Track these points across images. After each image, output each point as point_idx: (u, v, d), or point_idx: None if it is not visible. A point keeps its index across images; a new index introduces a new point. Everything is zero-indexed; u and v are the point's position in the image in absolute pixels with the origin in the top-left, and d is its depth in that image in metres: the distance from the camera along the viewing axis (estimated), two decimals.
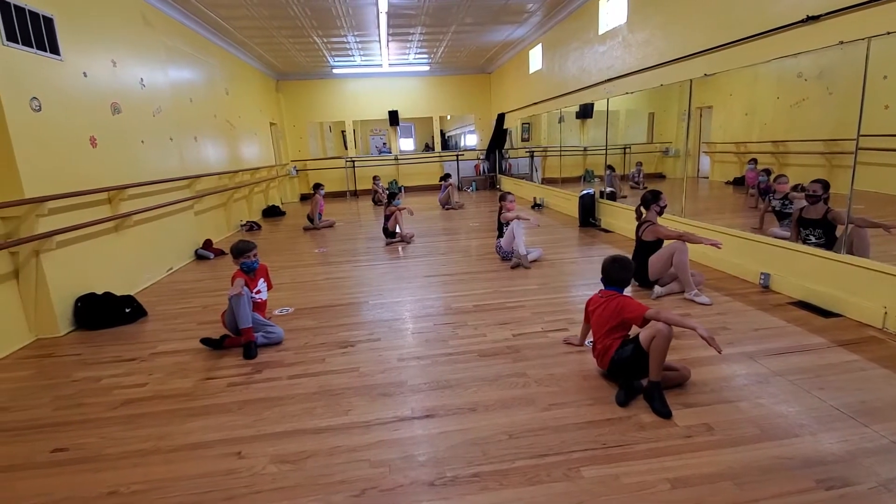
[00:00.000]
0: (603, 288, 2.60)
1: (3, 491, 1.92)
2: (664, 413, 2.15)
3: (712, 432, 2.03)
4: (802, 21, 3.49)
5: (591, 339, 2.63)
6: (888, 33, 2.93)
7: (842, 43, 3.24)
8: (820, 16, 3.37)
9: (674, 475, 1.78)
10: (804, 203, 3.90)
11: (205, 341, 3.22)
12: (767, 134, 5.23)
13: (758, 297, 3.67)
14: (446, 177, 10.08)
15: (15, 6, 3.43)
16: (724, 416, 2.14)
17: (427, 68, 12.27)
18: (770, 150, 5.23)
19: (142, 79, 5.21)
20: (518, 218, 5.01)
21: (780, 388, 2.36)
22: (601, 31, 6.75)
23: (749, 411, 2.17)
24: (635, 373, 2.34)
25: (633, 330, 2.47)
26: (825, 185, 3.83)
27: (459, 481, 1.82)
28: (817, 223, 3.77)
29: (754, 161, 5.50)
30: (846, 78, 3.52)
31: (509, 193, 5.34)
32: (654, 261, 3.83)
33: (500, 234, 5.29)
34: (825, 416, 2.10)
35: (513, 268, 4.83)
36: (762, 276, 3.88)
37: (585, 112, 7.78)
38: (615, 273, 2.53)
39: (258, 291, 3.32)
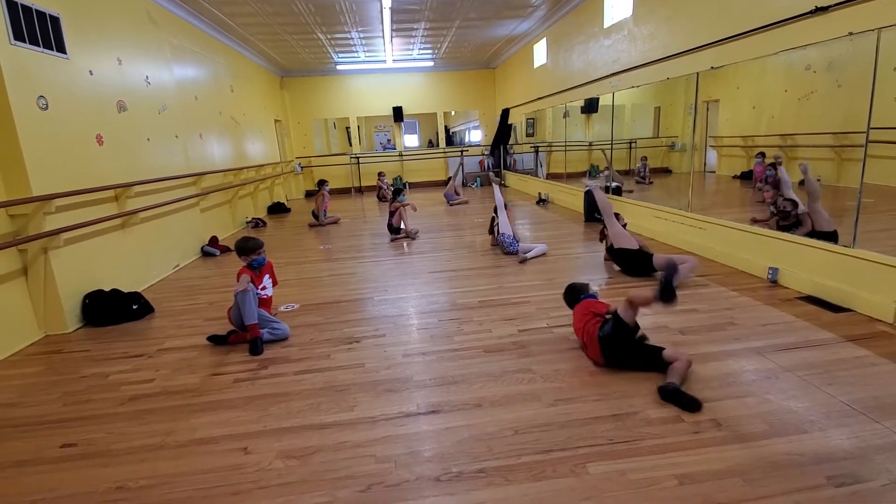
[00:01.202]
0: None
1: (14, 485, 1.94)
2: (694, 404, 2.13)
3: (720, 428, 2.01)
4: (811, 12, 3.43)
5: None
6: None
7: (851, 34, 3.19)
8: (829, 6, 3.31)
9: (681, 471, 1.77)
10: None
11: (211, 338, 3.24)
12: (775, 127, 5.18)
13: (766, 292, 3.64)
14: (451, 179, 10.29)
15: (22, 5, 3.44)
16: (732, 412, 2.12)
17: (431, 64, 12.23)
18: (778, 144, 5.18)
19: (147, 77, 5.23)
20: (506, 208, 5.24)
21: (789, 383, 2.34)
22: (606, 24, 6.69)
23: (757, 407, 2.15)
24: (626, 347, 2.47)
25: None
26: (794, 204, 4.11)
27: (465, 477, 1.81)
28: (796, 224, 4.03)
29: (762, 155, 5.45)
30: (856, 70, 3.47)
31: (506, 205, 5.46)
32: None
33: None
34: (835, 412, 2.08)
35: (521, 262, 4.82)
36: (770, 271, 3.84)
37: (591, 107, 7.74)
38: (567, 299, 3.07)
39: (263, 287, 3.33)
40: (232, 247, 3.77)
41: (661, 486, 1.71)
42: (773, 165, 5.24)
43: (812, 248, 3.60)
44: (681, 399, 2.17)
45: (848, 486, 1.65)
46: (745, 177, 5.69)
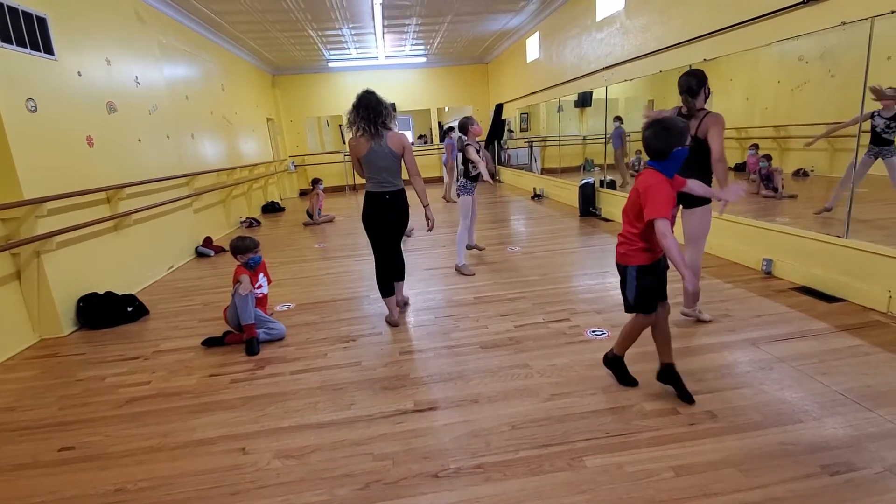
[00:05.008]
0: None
1: (13, 489, 1.93)
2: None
3: (715, 419, 2.03)
4: (804, 2, 3.43)
5: None
6: (892, 12, 2.89)
7: (844, 24, 3.19)
8: None
9: (677, 463, 1.78)
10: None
11: (206, 342, 3.23)
12: (769, 119, 5.19)
13: (760, 284, 3.66)
14: (450, 130, 9.28)
15: (8, 7, 3.40)
16: (728, 403, 2.13)
17: (423, 60, 12.18)
18: (771, 136, 5.19)
19: (137, 77, 5.18)
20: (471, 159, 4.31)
21: (784, 374, 2.35)
22: (599, 17, 6.67)
23: (752, 398, 2.17)
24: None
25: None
26: None
27: (463, 473, 1.82)
28: None
29: (755, 146, 5.47)
30: (848, 60, 3.47)
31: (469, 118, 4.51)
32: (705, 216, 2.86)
33: (466, 174, 4.44)
34: (829, 402, 2.10)
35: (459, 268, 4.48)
36: (764, 262, 3.87)
37: (584, 100, 7.73)
38: (652, 141, 1.97)
39: (259, 286, 3.32)
40: (226, 247, 3.74)
41: (657, 477, 1.72)
42: (767, 157, 5.26)
43: (806, 238, 3.61)
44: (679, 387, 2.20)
45: (842, 475, 1.67)
46: (739, 169, 5.71)
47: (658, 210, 1.89)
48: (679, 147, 1.96)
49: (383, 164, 3.05)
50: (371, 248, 3.31)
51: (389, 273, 3.30)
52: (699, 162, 2.75)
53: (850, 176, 3.57)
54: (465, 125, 4.43)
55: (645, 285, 2.08)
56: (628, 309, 2.18)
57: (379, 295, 3.44)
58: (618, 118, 7.05)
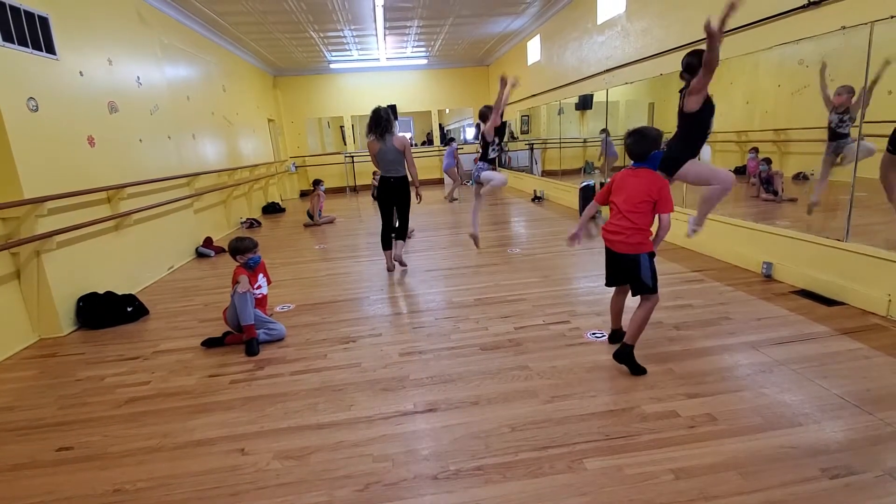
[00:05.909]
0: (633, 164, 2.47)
1: (11, 489, 1.93)
2: (639, 371, 2.43)
3: (715, 422, 2.02)
4: (804, 6, 3.45)
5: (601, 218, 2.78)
6: (892, 17, 2.90)
7: (844, 28, 3.20)
8: (822, 0, 3.32)
9: (677, 465, 1.78)
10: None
11: (206, 342, 3.22)
12: (769, 122, 5.19)
13: (760, 287, 3.66)
14: (451, 140, 10.19)
15: (10, 6, 3.40)
16: (728, 406, 2.13)
17: (425, 62, 12.19)
18: (771, 139, 5.20)
19: (138, 77, 5.19)
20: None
21: (784, 377, 2.35)
22: (599, 20, 6.69)
23: (752, 401, 2.17)
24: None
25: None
26: None
27: (463, 474, 1.82)
28: None
29: (755, 150, 5.47)
30: (849, 64, 3.48)
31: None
32: (689, 170, 3.07)
33: (483, 157, 4.96)
34: (829, 405, 2.10)
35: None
36: (764, 266, 3.87)
37: (585, 103, 7.74)
38: (634, 146, 2.41)
39: (258, 287, 3.32)
40: (226, 248, 3.75)
41: (657, 480, 1.72)
42: (767, 160, 5.26)
43: (806, 242, 3.62)
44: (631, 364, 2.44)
45: (842, 478, 1.67)
46: (739, 172, 5.71)
47: (671, 206, 2.39)
48: (655, 150, 2.41)
49: (391, 158, 4.44)
50: (380, 216, 4.73)
51: (390, 233, 4.70)
52: (684, 137, 3.06)
53: (825, 169, 3.95)
54: (485, 114, 5.00)
55: (654, 266, 2.45)
56: (650, 291, 2.41)
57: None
58: (604, 130, 7.13)
